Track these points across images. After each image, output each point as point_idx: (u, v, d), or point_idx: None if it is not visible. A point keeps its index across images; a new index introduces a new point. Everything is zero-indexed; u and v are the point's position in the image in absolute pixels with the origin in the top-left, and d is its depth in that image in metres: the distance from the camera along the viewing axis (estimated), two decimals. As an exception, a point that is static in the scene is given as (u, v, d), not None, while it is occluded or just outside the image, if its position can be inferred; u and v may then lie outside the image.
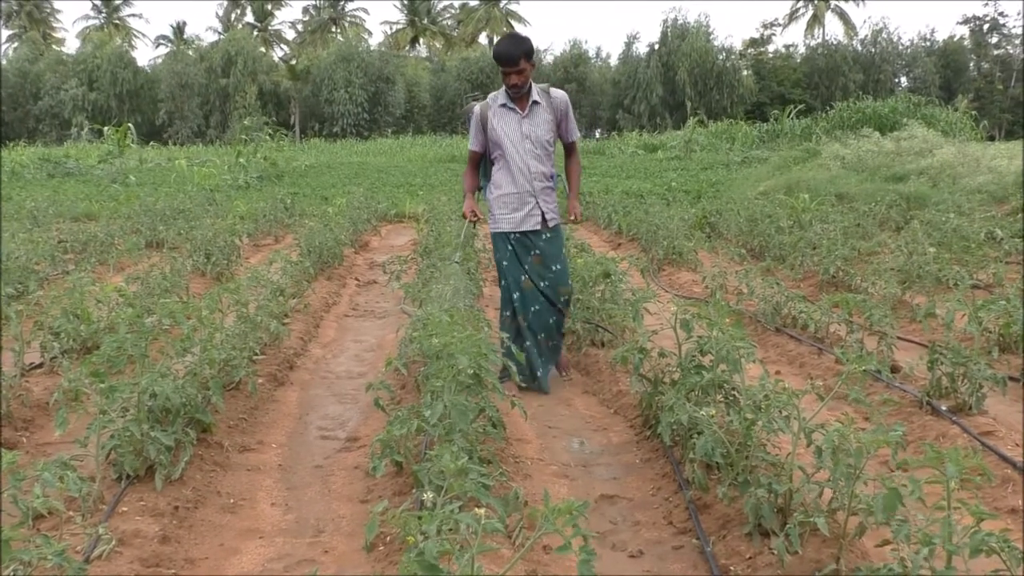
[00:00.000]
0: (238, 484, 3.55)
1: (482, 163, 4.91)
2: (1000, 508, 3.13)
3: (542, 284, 4.74)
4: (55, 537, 2.52)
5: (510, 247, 4.72)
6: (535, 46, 4.60)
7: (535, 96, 4.62)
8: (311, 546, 3.04)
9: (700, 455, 2.93)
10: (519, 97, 4.60)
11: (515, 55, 4.47)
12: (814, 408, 2.92)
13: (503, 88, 4.64)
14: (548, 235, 4.74)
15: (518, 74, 4.50)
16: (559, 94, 4.72)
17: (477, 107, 4.73)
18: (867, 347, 4.85)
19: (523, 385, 4.70)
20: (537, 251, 4.72)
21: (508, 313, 4.82)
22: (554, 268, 4.76)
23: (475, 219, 4.85)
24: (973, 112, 25.99)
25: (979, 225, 8.86)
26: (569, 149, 4.89)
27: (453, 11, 61.72)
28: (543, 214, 4.70)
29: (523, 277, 4.71)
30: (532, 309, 4.75)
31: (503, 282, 4.82)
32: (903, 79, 51.97)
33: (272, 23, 59.28)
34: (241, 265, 8.52)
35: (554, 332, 4.86)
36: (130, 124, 26.76)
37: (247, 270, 7.28)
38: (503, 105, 4.64)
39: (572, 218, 4.84)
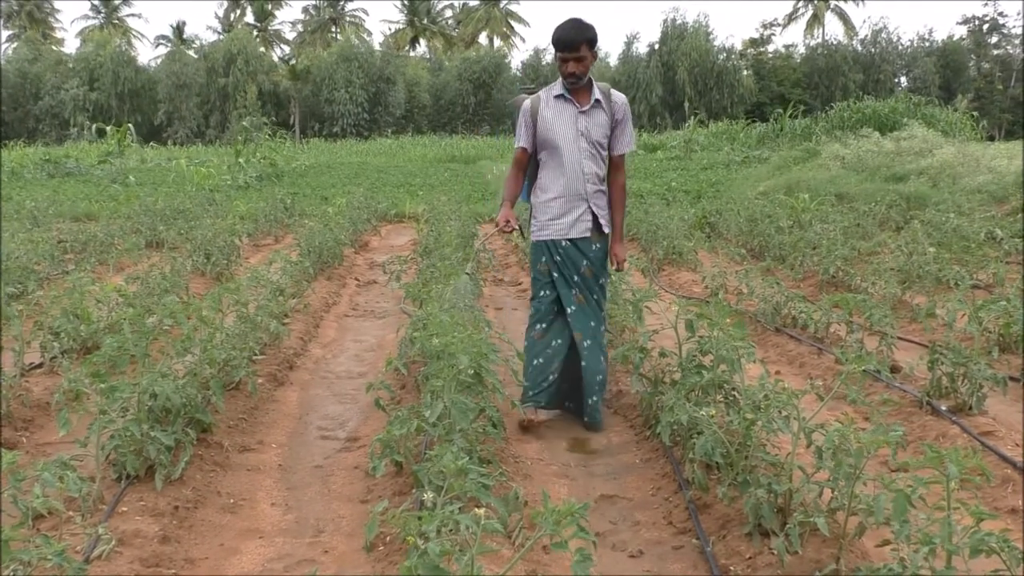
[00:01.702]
0: (238, 484, 3.55)
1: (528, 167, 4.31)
2: (1000, 508, 3.14)
3: (591, 299, 4.16)
4: (55, 537, 2.52)
5: (557, 257, 4.13)
6: (596, 34, 4.03)
7: (597, 94, 4.11)
8: (311, 546, 3.04)
9: (700, 455, 2.93)
10: (578, 90, 4.09)
11: (576, 40, 3.96)
12: (814, 408, 2.92)
13: (558, 80, 4.14)
14: (599, 245, 4.17)
15: (577, 61, 3.98)
16: (620, 98, 4.18)
17: (527, 100, 4.19)
18: (867, 347, 4.85)
19: (541, 405, 4.19)
20: (588, 261, 4.13)
21: (543, 326, 4.20)
22: (601, 282, 4.21)
23: (510, 229, 4.16)
24: (973, 112, 25.97)
25: (979, 225, 8.86)
26: (616, 165, 4.26)
27: (453, 10, 61.76)
28: (595, 218, 4.14)
29: (574, 292, 4.13)
30: (590, 325, 4.15)
31: (542, 294, 4.21)
32: (903, 79, 51.95)
33: (272, 23, 59.27)
34: (241, 265, 8.52)
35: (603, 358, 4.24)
36: (130, 124, 26.76)
37: (247, 270, 7.28)
38: (559, 96, 4.10)
39: (615, 267, 4.29)
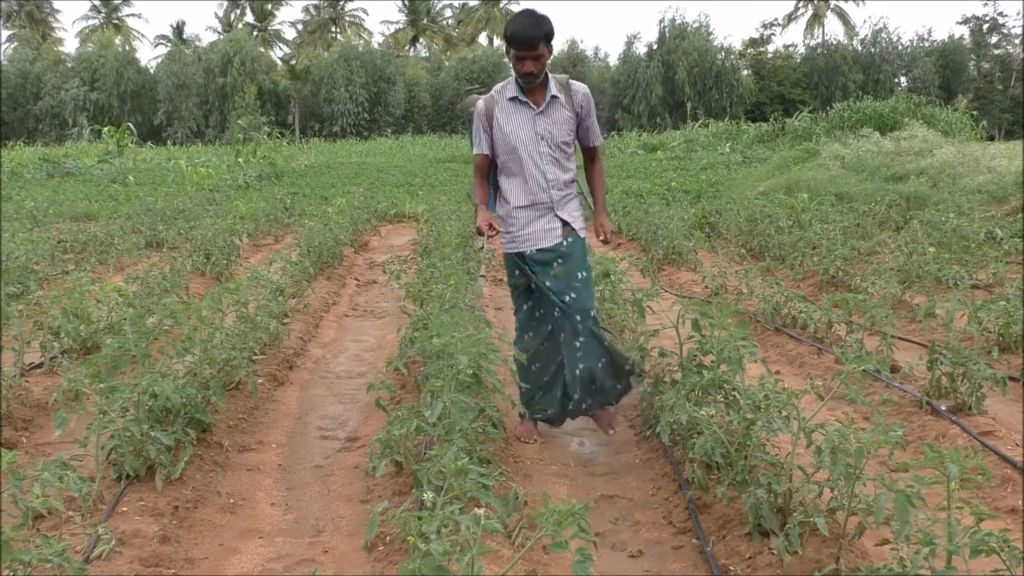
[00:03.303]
0: (238, 484, 3.55)
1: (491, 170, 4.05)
2: (1000, 508, 3.14)
3: (567, 298, 3.84)
4: (55, 537, 2.52)
5: (529, 268, 3.90)
6: (553, 28, 3.71)
7: (553, 89, 3.78)
8: (311, 546, 3.05)
9: (700, 455, 2.94)
10: (533, 89, 3.78)
11: (533, 36, 3.63)
12: (814, 408, 2.92)
13: (511, 78, 3.83)
14: (569, 240, 3.88)
15: (534, 60, 3.66)
16: (580, 88, 3.88)
17: (480, 102, 3.88)
18: (867, 347, 4.85)
19: (544, 417, 4.07)
20: (560, 260, 3.85)
21: (530, 334, 4.03)
22: (580, 276, 3.89)
23: (493, 233, 3.82)
24: (973, 112, 25.98)
25: (979, 225, 8.86)
26: (591, 155, 4.06)
27: (453, 10, 61.75)
28: (564, 223, 3.88)
29: (554, 296, 3.86)
30: (577, 324, 3.87)
31: (524, 307, 4.05)
32: (903, 79, 51.96)
33: (272, 23, 59.27)
34: (241, 265, 8.53)
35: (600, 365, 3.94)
36: (130, 124, 26.76)
37: (247, 270, 7.28)
38: (513, 99, 3.79)
39: (602, 238, 4.00)
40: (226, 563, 2.91)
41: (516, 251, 3.91)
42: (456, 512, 2.16)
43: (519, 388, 3.96)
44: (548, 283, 3.85)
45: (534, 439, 4.02)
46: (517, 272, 3.99)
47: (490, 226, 3.79)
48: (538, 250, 3.86)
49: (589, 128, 3.94)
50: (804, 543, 2.61)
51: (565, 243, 3.87)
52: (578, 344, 3.86)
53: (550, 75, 3.80)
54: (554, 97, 3.79)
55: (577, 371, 3.87)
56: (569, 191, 3.92)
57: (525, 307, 4.05)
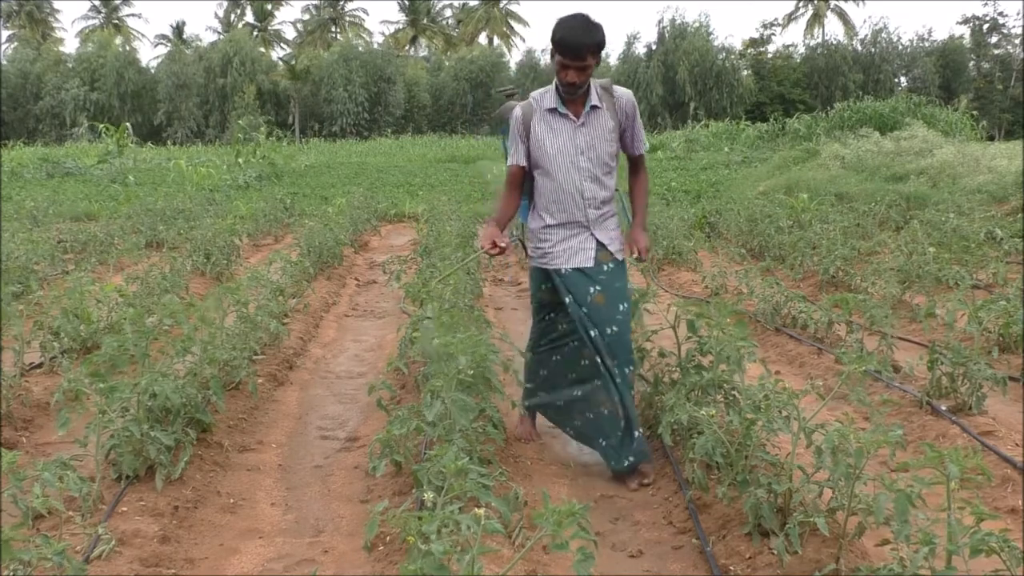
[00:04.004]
0: (238, 484, 3.55)
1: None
2: (1000, 508, 3.14)
3: (608, 332, 3.48)
4: (55, 537, 2.52)
5: (563, 288, 3.56)
6: (605, 37, 3.41)
7: (595, 98, 3.50)
8: (311, 546, 3.05)
9: (700, 455, 2.94)
10: (574, 100, 3.50)
11: (582, 45, 3.32)
12: (814, 408, 2.92)
13: (551, 85, 3.54)
14: (610, 265, 3.56)
15: (579, 71, 3.36)
16: (624, 94, 3.58)
17: (518, 108, 3.60)
18: (867, 347, 4.85)
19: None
20: (598, 287, 3.51)
21: (545, 347, 3.79)
22: (622, 308, 3.55)
23: (494, 252, 3.57)
24: (973, 112, 25.99)
25: (979, 225, 8.87)
26: (635, 164, 3.74)
27: (453, 10, 61.77)
28: (599, 244, 3.56)
29: (591, 331, 3.51)
30: (614, 355, 3.51)
31: (545, 317, 3.79)
32: (903, 79, 51.96)
33: (272, 23, 59.27)
34: (241, 265, 8.53)
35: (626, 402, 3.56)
36: (128, 124, 26.75)
37: (247, 270, 7.28)
38: (552, 110, 3.51)
39: (635, 255, 3.66)
40: (226, 563, 2.91)
41: (547, 267, 3.62)
42: (456, 512, 2.16)
43: (522, 387, 3.92)
44: (585, 310, 3.51)
45: (535, 439, 3.99)
46: (543, 287, 3.70)
47: (493, 244, 3.56)
48: (573, 269, 3.55)
49: (634, 135, 3.64)
50: (804, 543, 2.61)
51: (605, 268, 3.56)
52: (615, 373, 3.51)
53: (592, 81, 3.52)
54: (595, 107, 3.50)
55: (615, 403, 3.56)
56: (607, 209, 3.61)
57: (546, 318, 3.77)
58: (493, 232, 3.60)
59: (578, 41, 3.33)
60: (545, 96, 3.55)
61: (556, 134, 3.51)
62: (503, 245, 3.57)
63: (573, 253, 3.55)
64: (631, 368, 3.55)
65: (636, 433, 3.55)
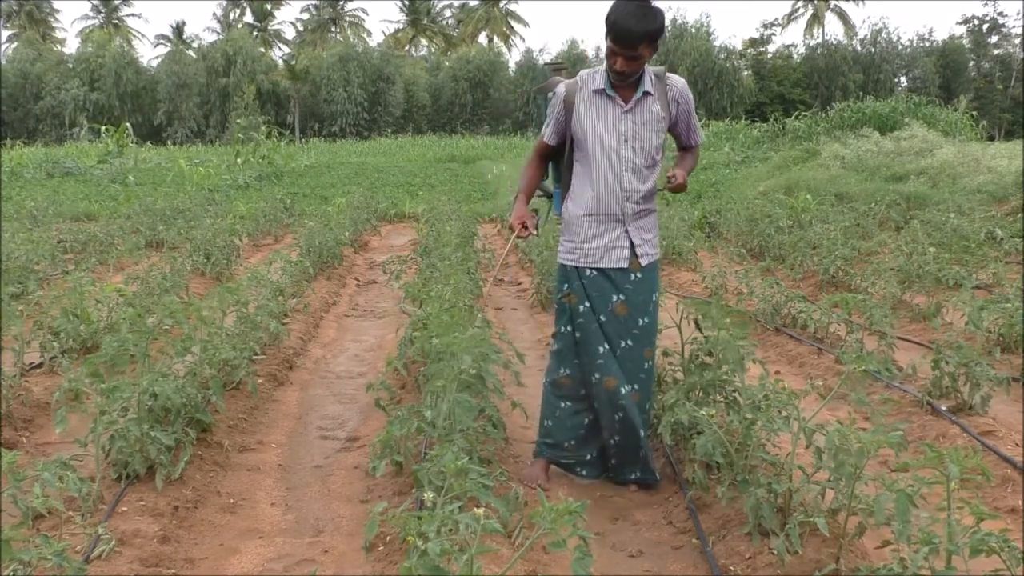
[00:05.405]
0: (238, 484, 3.55)
1: (550, 164, 3.59)
2: (1000, 508, 3.14)
3: (621, 345, 3.30)
4: (55, 537, 2.52)
5: (585, 289, 3.33)
6: (663, 25, 3.15)
7: (647, 84, 3.25)
8: (311, 546, 3.04)
9: (700, 455, 2.93)
10: (624, 85, 3.26)
11: (636, 34, 3.06)
12: (814, 408, 2.92)
13: (602, 67, 3.28)
14: (638, 275, 3.32)
15: (630, 60, 3.13)
16: (678, 82, 3.34)
17: (562, 86, 3.36)
18: (867, 347, 4.85)
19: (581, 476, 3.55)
20: (622, 296, 3.30)
21: (567, 371, 3.42)
22: (641, 323, 3.32)
23: (526, 234, 3.39)
24: (973, 112, 25.97)
25: (979, 225, 8.87)
26: (689, 150, 3.55)
27: (453, 10, 61.78)
28: (632, 246, 3.32)
29: (603, 343, 3.31)
30: (628, 370, 3.33)
31: (565, 328, 3.41)
32: (903, 79, 51.97)
33: (272, 23, 59.28)
34: (241, 265, 8.53)
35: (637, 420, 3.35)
36: (128, 124, 26.75)
37: (247, 270, 7.28)
38: (599, 91, 3.26)
39: (670, 177, 3.34)
40: (226, 563, 2.91)
41: (574, 264, 3.36)
42: (456, 512, 2.16)
43: (540, 425, 3.56)
44: (603, 318, 3.30)
45: (545, 486, 3.46)
46: (567, 287, 3.39)
47: (523, 225, 3.39)
48: (598, 270, 3.32)
49: (689, 126, 3.42)
50: (804, 543, 2.61)
51: (632, 276, 3.31)
52: (623, 392, 3.31)
53: (647, 67, 3.25)
54: (647, 93, 3.25)
55: (621, 421, 3.35)
56: (646, 206, 3.36)
57: (566, 329, 3.41)
58: (525, 213, 3.43)
59: (631, 29, 3.06)
60: (595, 76, 3.30)
61: (601, 117, 3.27)
62: (535, 233, 3.43)
63: (605, 251, 3.31)
64: (635, 387, 3.32)
65: (642, 453, 3.40)
